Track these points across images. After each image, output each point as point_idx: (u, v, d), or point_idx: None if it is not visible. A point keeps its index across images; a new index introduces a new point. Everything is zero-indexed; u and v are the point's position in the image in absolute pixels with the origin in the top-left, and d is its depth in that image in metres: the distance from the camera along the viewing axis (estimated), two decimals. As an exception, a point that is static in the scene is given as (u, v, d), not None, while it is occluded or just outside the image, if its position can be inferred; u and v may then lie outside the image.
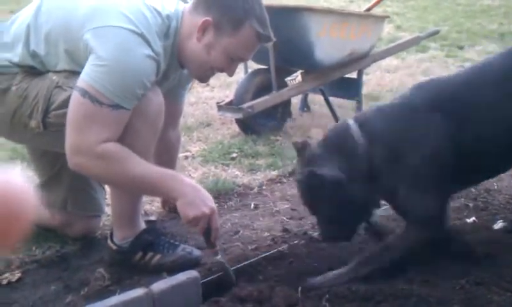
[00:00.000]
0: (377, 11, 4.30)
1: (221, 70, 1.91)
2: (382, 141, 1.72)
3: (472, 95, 1.76)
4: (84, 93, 1.66)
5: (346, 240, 1.87)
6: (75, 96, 1.68)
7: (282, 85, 3.59)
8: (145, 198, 2.35)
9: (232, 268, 1.82)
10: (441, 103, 1.74)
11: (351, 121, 1.78)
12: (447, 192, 1.79)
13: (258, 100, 3.41)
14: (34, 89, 1.81)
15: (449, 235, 1.84)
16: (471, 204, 2.36)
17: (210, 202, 1.77)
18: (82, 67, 1.70)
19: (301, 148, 1.84)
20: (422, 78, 4.95)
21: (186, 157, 3.07)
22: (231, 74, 1.94)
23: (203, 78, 1.99)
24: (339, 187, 1.69)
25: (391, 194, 1.76)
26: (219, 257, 1.81)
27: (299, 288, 1.70)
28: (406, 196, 1.72)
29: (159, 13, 1.78)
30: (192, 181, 1.84)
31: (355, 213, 1.76)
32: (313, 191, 1.74)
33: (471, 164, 1.73)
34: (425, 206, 1.73)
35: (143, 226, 1.98)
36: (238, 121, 3.51)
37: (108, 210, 2.16)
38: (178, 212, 1.77)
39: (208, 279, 1.78)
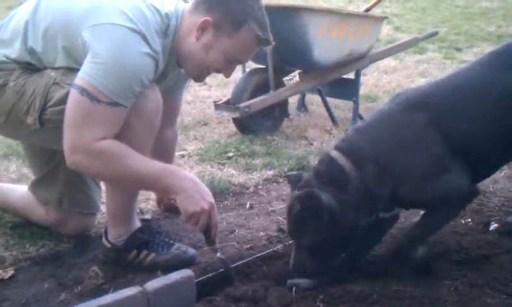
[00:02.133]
0: (375, 11, 4.31)
1: (218, 71, 1.91)
2: (370, 160, 1.69)
3: (451, 96, 1.78)
4: (83, 91, 1.65)
5: (318, 273, 1.75)
6: (74, 94, 1.68)
7: (280, 85, 3.59)
8: (140, 197, 2.34)
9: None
10: (420, 103, 1.75)
11: (333, 153, 1.74)
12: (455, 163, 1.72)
13: (256, 99, 3.40)
14: (31, 85, 1.81)
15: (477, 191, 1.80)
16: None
17: (209, 197, 1.77)
18: (80, 64, 1.69)
19: (295, 181, 1.80)
20: (420, 80, 4.97)
21: (182, 156, 3.07)
22: (228, 75, 1.94)
23: (199, 78, 1.99)
24: (332, 216, 1.65)
25: (402, 200, 1.73)
26: (219, 254, 1.81)
27: (294, 288, 1.70)
28: (421, 192, 1.69)
29: (158, 11, 1.77)
30: (192, 175, 1.84)
31: (339, 245, 1.71)
32: (307, 213, 1.67)
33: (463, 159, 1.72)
34: (445, 187, 1.69)
35: (137, 224, 1.98)
36: (235, 120, 3.50)
37: (103, 208, 2.15)
38: (178, 206, 1.77)
39: (203, 278, 1.78)
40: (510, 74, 1.80)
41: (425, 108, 1.73)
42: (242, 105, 3.34)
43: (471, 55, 6.04)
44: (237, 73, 3.72)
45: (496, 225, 2.15)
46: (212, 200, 1.77)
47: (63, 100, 1.72)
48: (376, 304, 1.61)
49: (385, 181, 1.67)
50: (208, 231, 1.79)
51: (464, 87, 1.82)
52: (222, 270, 1.82)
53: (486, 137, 1.76)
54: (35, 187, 2.18)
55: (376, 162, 1.68)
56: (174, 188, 1.75)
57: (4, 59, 1.83)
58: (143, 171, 1.73)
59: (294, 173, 1.88)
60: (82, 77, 1.66)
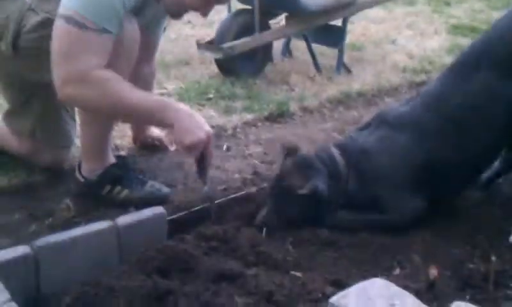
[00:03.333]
0: (367, -42, 4.18)
1: (196, 9, 1.86)
2: (356, 167, 1.86)
3: (429, 119, 1.86)
4: (69, 19, 1.61)
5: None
6: (60, 25, 1.63)
7: (265, 28, 3.52)
8: (116, 133, 2.32)
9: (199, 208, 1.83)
10: (403, 126, 1.87)
11: (334, 150, 1.90)
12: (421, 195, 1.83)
13: (240, 40, 3.34)
14: (5, 11, 1.76)
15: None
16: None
17: (206, 126, 1.75)
18: None
19: (290, 153, 1.88)
20: (407, 32, 4.92)
21: (162, 94, 3.01)
22: (205, 15, 1.90)
23: (176, 15, 1.94)
24: (320, 199, 1.76)
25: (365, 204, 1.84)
26: (206, 188, 1.82)
27: (264, 229, 1.72)
28: (385, 201, 1.82)
29: None
30: (187, 107, 1.82)
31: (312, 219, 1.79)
32: (304, 200, 1.75)
33: (438, 178, 1.83)
34: (406, 206, 1.81)
35: (112, 159, 1.97)
36: (217, 61, 3.44)
37: (78, 141, 2.13)
38: (174, 138, 1.77)
39: (175, 216, 1.79)
40: (467, 85, 1.84)
41: (405, 128, 1.86)
42: (226, 45, 3.28)
43: (459, 11, 5.97)
44: (222, 14, 3.65)
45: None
46: (209, 129, 1.75)
47: (38, 27, 1.69)
48: (344, 248, 1.65)
49: (361, 191, 1.84)
50: (201, 161, 1.79)
51: (434, 107, 1.87)
52: (206, 204, 1.82)
53: (452, 156, 1.83)
54: (9, 117, 2.15)
55: (359, 170, 1.85)
56: (169, 120, 1.72)
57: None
58: (138, 103, 1.70)
59: (292, 144, 1.98)
60: (65, 6, 1.62)
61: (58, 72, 1.65)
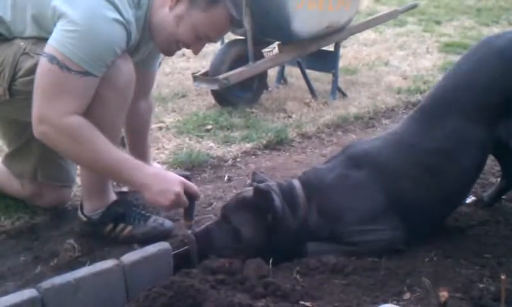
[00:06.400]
0: (356, -17, 4.25)
1: (187, 46, 1.88)
2: (316, 201, 1.86)
3: (390, 157, 1.88)
4: (52, 59, 1.62)
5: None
6: (43, 63, 1.64)
7: (259, 56, 3.55)
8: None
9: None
10: (368, 166, 1.87)
11: (296, 182, 1.91)
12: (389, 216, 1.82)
13: (234, 71, 3.37)
14: (0, 56, 1.76)
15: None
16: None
17: (173, 177, 1.76)
18: (50, 34, 1.65)
19: (257, 181, 1.89)
20: (399, 53, 4.98)
21: (160, 128, 3.04)
22: (196, 52, 1.92)
23: (168, 51, 1.94)
24: (274, 222, 1.76)
25: (337, 241, 1.82)
26: (190, 232, 1.80)
27: (270, 260, 1.71)
28: (353, 238, 1.80)
29: None
30: (151, 168, 1.85)
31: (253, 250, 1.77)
32: (256, 205, 1.76)
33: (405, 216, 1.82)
34: (376, 238, 1.79)
35: (113, 197, 1.96)
36: (213, 92, 3.47)
37: (79, 180, 2.13)
38: (153, 203, 1.79)
39: (180, 250, 1.78)
40: (437, 131, 1.85)
41: (367, 166, 1.87)
42: (221, 77, 3.31)
43: (450, 28, 6.06)
44: (216, 45, 3.68)
45: (473, 198, 2.17)
46: (179, 178, 1.76)
47: (33, 70, 1.68)
48: (352, 274, 1.64)
49: (323, 225, 1.83)
50: (191, 203, 1.78)
51: (400, 148, 1.89)
52: (186, 247, 1.80)
53: (422, 196, 1.83)
54: (9, 159, 2.14)
55: (319, 205, 1.86)
56: (135, 185, 1.77)
57: (-27, 29, 1.78)
58: (104, 159, 1.71)
59: (261, 175, 2.01)
60: (51, 45, 1.63)
61: (35, 109, 1.65)
